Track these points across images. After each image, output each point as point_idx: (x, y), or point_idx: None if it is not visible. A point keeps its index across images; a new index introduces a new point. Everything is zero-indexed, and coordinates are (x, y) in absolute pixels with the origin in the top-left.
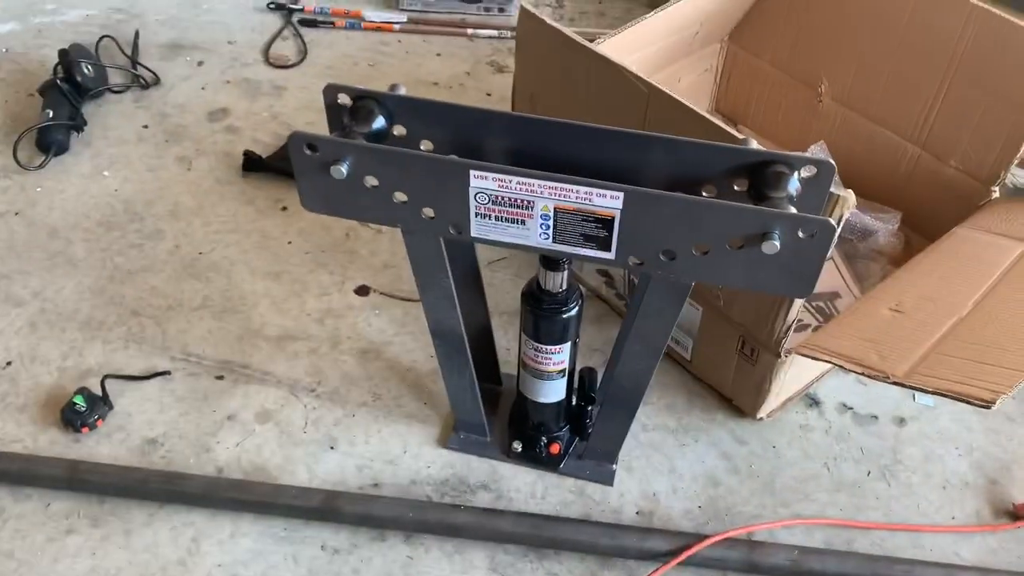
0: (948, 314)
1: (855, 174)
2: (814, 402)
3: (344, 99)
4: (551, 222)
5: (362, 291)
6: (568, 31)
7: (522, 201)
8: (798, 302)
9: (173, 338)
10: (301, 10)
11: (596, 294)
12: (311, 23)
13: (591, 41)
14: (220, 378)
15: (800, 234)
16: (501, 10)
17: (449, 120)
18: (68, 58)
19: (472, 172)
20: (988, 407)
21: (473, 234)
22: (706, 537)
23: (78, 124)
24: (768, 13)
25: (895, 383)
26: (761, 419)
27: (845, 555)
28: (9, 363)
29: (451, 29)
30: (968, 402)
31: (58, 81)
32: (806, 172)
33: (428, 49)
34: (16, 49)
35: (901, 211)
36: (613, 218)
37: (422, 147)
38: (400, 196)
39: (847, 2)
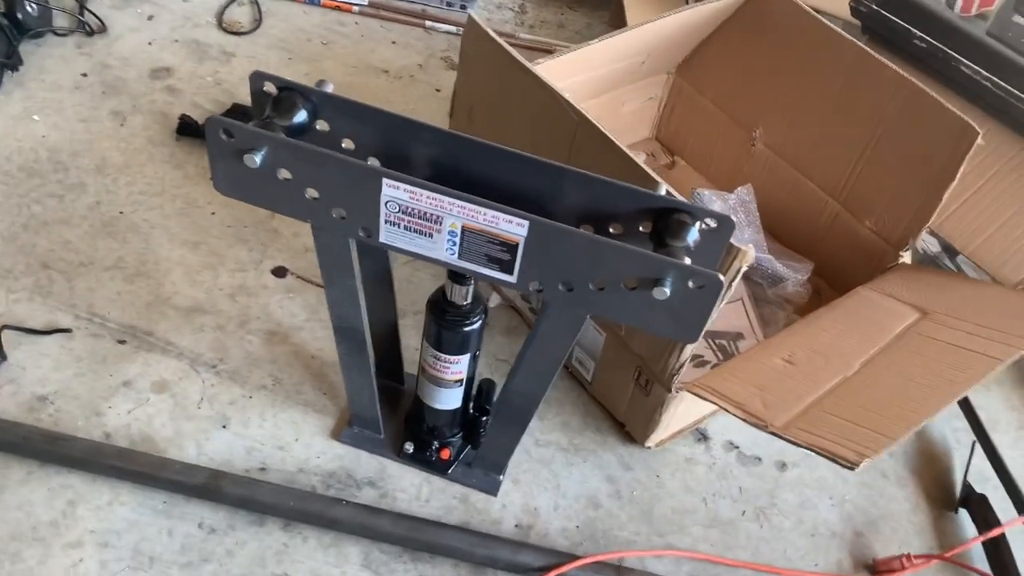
0: (836, 372)
1: (777, 220)
2: (703, 437)
3: (270, 87)
4: (458, 239)
5: (279, 272)
6: (510, 48)
7: (431, 215)
8: (692, 344)
9: (80, 296)
10: None
11: (510, 304)
12: None
13: (550, 52)
14: (122, 342)
15: (690, 284)
16: (463, 7)
17: (373, 124)
18: None
19: (384, 180)
20: (852, 468)
21: (382, 239)
22: (577, 558)
23: (13, 63)
24: (715, 53)
25: (772, 433)
26: (650, 447)
27: None
28: None
29: (410, 19)
30: (835, 461)
31: None
32: (708, 223)
33: (384, 35)
34: None
35: (815, 262)
36: (517, 244)
37: (344, 145)
38: (312, 192)
39: (787, 56)
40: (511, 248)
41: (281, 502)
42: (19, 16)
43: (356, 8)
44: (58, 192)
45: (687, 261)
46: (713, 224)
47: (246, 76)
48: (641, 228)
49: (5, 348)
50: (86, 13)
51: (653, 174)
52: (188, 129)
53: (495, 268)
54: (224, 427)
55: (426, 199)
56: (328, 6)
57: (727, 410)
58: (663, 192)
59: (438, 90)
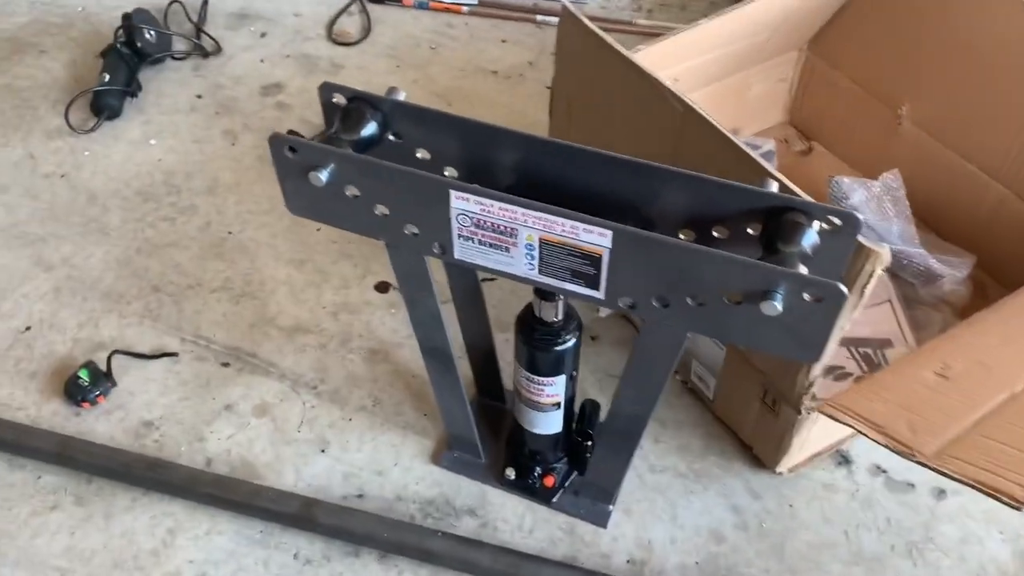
0: (1000, 387)
1: (931, 208)
2: (844, 460)
3: (340, 99)
4: (536, 252)
5: (382, 287)
6: (606, 36)
7: (506, 228)
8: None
9: (188, 318)
10: None
11: (623, 316)
12: None
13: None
14: (226, 365)
15: (806, 297)
16: None
17: (448, 131)
18: (130, 23)
19: (452, 192)
20: (1019, 508)
21: (457, 256)
22: None
23: (133, 90)
24: (851, 23)
25: (920, 463)
26: (781, 473)
27: None
28: (28, 328)
29: (521, 14)
30: (996, 498)
31: (118, 45)
32: (828, 223)
33: (494, 34)
34: (92, 9)
35: (977, 256)
36: (601, 256)
37: (419, 155)
38: (383, 209)
39: (938, 22)
40: (595, 261)
41: (375, 533)
42: (139, 44)
43: (466, 8)
44: (171, 215)
45: (802, 269)
46: (837, 222)
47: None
48: (750, 230)
49: (115, 373)
50: (202, 36)
51: (768, 167)
52: None
53: (580, 283)
54: (323, 451)
55: (498, 211)
56: (437, 8)
57: (867, 435)
58: (773, 188)
59: (548, 87)
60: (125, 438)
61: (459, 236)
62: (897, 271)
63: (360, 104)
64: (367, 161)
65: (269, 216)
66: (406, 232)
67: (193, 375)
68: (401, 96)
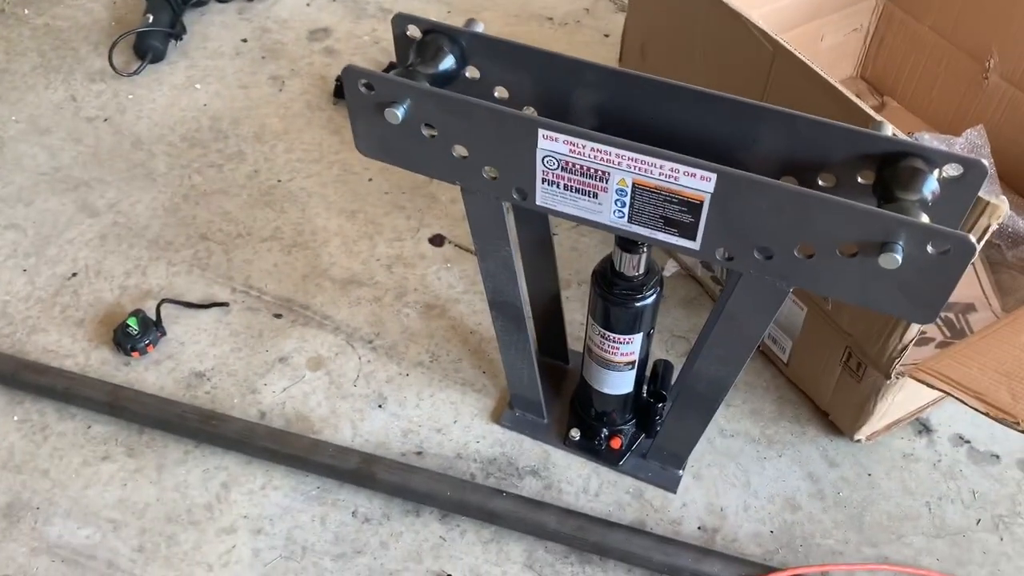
0: None
1: (1018, 168)
2: (925, 428)
3: (414, 31)
4: (628, 199)
5: (436, 241)
6: None
7: (596, 171)
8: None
9: (238, 268)
10: None
11: (689, 273)
12: None
13: None
14: (278, 316)
15: (929, 249)
16: None
17: (530, 67)
18: None
19: (540, 131)
20: None
21: (538, 202)
22: (773, 569)
23: (177, 32)
24: None
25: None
26: (859, 441)
27: None
28: (75, 274)
29: None
30: None
31: None
32: (950, 171)
33: None
34: None
35: None
36: (702, 202)
37: (496, 94)
38: (461, 150)
39: None
40: (694, 208)
41: (437, 492)
42: None
43: None
44: (218, 162)
45: (924, 219)
46: (956, 172)
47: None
48: (860, 179)
49: (164, 322)
50: None
51: (873, 113)
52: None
53: (674, 233)
54: (380, 407)
55: (590, 151)
56: None
57: (965, 403)
58: (888, 133)
59: (606, 35)
60: (176, 389)
61: (543, 180)
62: None
63: (436, 37)
64: (449, 96)
65: (319, 165)
66: (484, 176)
67: (245, 326)
68: (480, 28)
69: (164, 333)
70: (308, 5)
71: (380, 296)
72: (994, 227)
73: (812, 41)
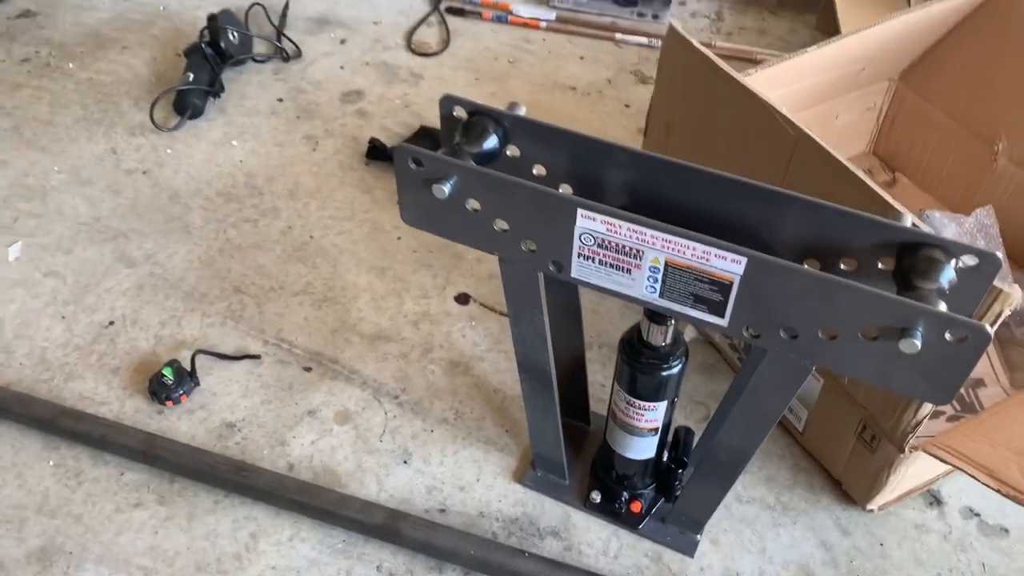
0: None
1: None
2: (936, 500)
3: (460, 112)
4: (660, 275)
5: (462, 299)
6: (716, 59)
7: (631, 249)
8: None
9: (270, 321)
10: None
11: (708, 340)
12: (458, 11)
13: (751, 61)
14: (308, 369)
15: (948, 336)
16: (655, 17)
17: (567, 148)
18: (215, 24)
19: (580, 211)
20: None
21: (573, 275)
22: None
23: (216, 90)
24: (946, 56)
25: None
26: (871, 510)
27: None
28: (112, 323)
29: (599, 32)
30: None
31: (203, 45)
32: (967, 261)
33: (572, 51)
34: (172, 8)
35: None
36: (731, 283)
37: (535, 171)
38: (502, 224)
39: None
40: (724, 287)
41: (461, 549)
42: (222, 45)
43: (543, 24)
44: (253, 217)
45: (943, 307)
46: (973, 262)
47: (434, 98)
48: (881, 265)
49: (198, 373)
50: (283, 40)
51: (895, 203)
52: (377, 153)
53: (703, 309)
54: (405, 462)
55: (626, 231)
56: (516, 23)
57: (976, 479)
58: (908, 223)
59: (627, 106)
60: (208, 438)
61: (579, 255)
62: None
63: (481, 118)
64: (493, 176)
65: (350, 223)
66: (523, 248)
67: (275, 378)
68: (522, 111)
69: (198, 383)
70: (342, 68)
71: (407, 352)
72: (1007, 313)
73: (827, 119)
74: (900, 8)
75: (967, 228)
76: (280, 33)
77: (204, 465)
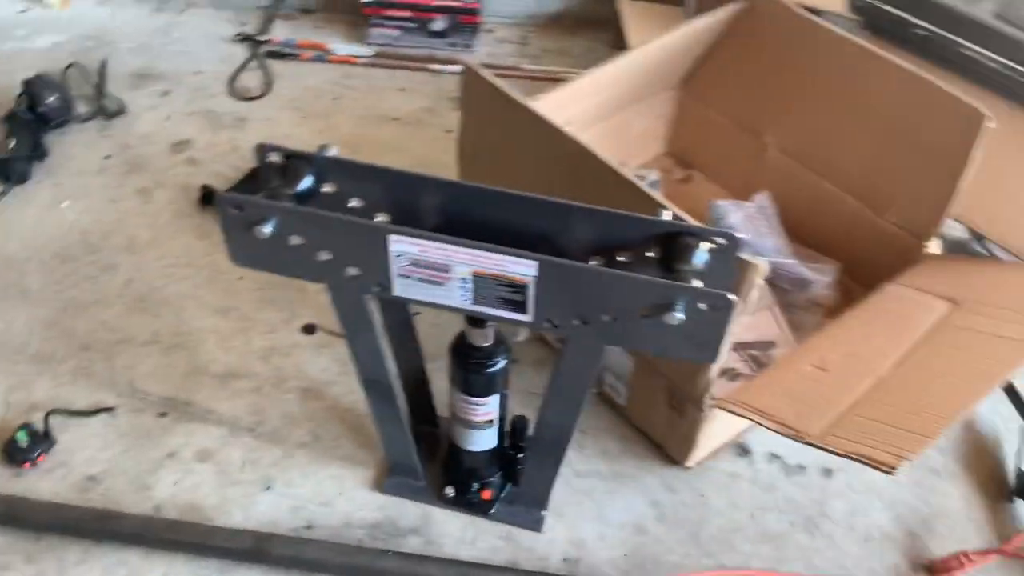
0: (868, 374)
1: (799, 223)
2: (745, 451)
3: (275, 157)
4: (470, 285)
5: (308, 329)
6: (503, 86)
7: (442, 265)
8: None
9: (120, 373)
10: (268, 42)
11: (540, 338)
12: (278, 55)
13: (556, 80)
14: (163, 415)
15: (702, 306)
16: (467, 46)
17: (378, 181)
18: (31, 89)
19: (391, 237)
20: (891, 472)
21: (396, 293)
22: None
23: (39, 154)
24: (716, 65)
25: (808, 443)
26: (691, 467)
27: None
28: None
29: (415, 64)
30: (872, 466)
31: (20, 111)
32: (718, 241)
33: (392, 83)
34: None
35: (842, 263)
36: (527, 284)
37: (352, 204)
38: (325, 255)
39: (788, 61)
40: (522, 289)
41: (329, 558)
42: (41, 109)
43: (361, 60)
44: (92, 274)
45: (698, 283)
46: (722, 242)
47: (261, 139)
48: (650, 254)
49: (54, 432)
50: (104, 97)
51: (658, 197)
52: (210, 199)
53: (509, 309)
54: (268, 488)
55: (434, 250)
56: (335, 61)
57: (760, 423)
58: (667, 216)
59: (448, 131)
60: (71, 493)
61: (399, 275)
62: (774, 280)
63: (296, 161)
64: (310, 213)
65: (190, 269)
66: (348, 274)
67: (132, 427)
68: (333, 152)
69: (54, 442)
70: (168, 119)
71: (259, 386)
72: (760, 282)
73: (624, 128)
74: (679, 24)
75: (749, 212)
76: (100, 91)
77: (68, 519)
